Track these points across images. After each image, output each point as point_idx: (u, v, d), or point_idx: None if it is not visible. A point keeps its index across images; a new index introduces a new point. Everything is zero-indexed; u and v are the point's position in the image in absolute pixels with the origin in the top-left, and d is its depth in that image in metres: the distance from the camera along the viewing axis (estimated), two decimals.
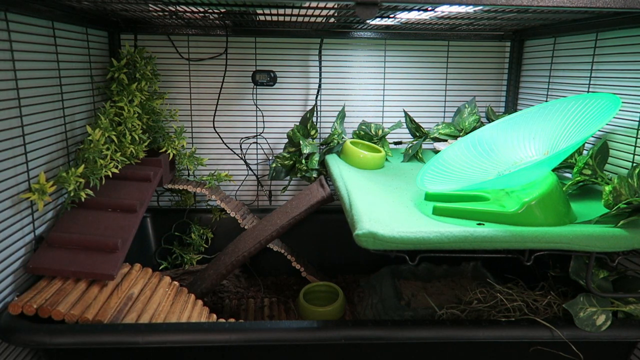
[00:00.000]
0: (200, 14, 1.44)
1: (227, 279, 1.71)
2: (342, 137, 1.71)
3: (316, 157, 1.69)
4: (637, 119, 1.21)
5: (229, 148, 1.84)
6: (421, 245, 0.88)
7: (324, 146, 1.74)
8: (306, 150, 1.66)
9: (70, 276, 1.17)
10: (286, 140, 1.77)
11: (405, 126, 1.73)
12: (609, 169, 1.29)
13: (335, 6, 1.28)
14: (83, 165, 1.28)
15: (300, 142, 1.68)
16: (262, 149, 1.87)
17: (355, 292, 1.68)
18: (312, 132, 1.73)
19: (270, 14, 1.46)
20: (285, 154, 1.73)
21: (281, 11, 1.40)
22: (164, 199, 1.87)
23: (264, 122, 1.84)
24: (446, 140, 1.69)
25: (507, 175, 1.05)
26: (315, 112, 1.78)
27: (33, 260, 1.16)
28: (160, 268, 1.75)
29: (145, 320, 1.15)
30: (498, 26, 1.64)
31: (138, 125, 1.50)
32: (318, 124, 1.85)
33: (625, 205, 0.97)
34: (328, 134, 1.79)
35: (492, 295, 1.28)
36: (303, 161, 1.71)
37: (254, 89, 1.82)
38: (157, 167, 1.55)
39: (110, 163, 1.37)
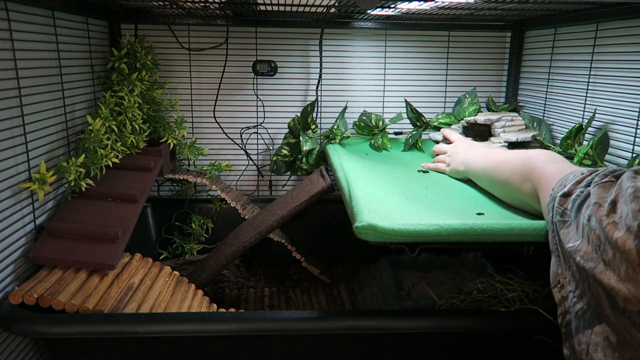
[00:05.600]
0: (201, 4, 1.44)
1: (228, 269, 1.72)
2: (344, 134, 1.70)
3: (316, 154, 1.70)
4: (637, 109, 1.21)
5: (229, 138, 1.84)
6: (420, 237, 0.88)
7: (324, 138, 1.74)
8: (306, 147, 1.66)
9: (71, 266, 1.17)
10: (286, 131, 1.77)
11: (405, 116, 1.73)
12: (609, 159, 1.29)
13: None
14: (83, 155, 1.28)
15: (300, 137, 1.68)
16: (263, 139, 1.87)
17: (356, 282, 1.68)
18: (313, 127, 1.73)
19: (271, 4, 1.46)
20: (285, 152, 1.74)
21: (282, 1, 1.40)
22: (165, 189, 1.87)
23: (264, 112, 1.84)
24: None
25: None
26: (315, 105, 1.77)
27: (33, 250, 1.16)
28: (161, 258, 1.75)
29: (146, 310, 1.15)
30: (499, 16, 1.64)
31: (138, 115, 1.50)
32: (319, 114, 1.84)
33: None
34: (329, 125, 1.79)
35: (491, 286, 1.28)
36: (304, 160, 1.71)
37: (255, 79, 1.81)
38: (158, 157, 1.55)
39: (110, 153, 1.37)
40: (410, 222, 0.89)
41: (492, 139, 1.49)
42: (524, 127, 1.54)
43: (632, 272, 0.56)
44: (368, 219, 0.90)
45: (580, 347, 0.66)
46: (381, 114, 1.81)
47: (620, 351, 0.59)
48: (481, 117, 1.50)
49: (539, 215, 0.96)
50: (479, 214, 1.00)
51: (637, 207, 0.57)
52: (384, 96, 1.86)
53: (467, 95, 1.74)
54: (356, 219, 0.91)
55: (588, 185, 0.70)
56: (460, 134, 1.55)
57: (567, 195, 0.73)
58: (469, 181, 1.26)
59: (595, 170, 0.73)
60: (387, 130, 1.70)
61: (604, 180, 0.68)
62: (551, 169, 0.87)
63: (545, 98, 1.62)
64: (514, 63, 1.79)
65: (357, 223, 0.90)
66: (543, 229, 0.89)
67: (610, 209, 0.62)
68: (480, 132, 1.55)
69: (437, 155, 1.42)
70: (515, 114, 1.56)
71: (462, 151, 1.29)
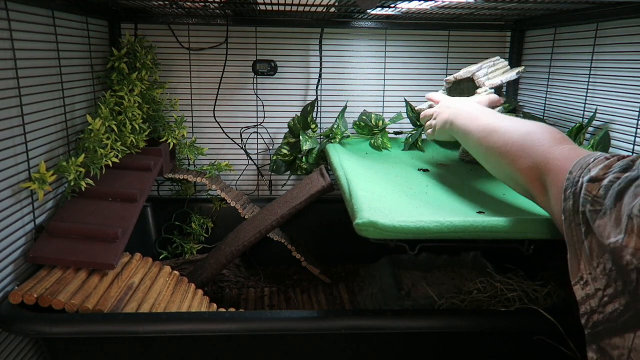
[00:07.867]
0: (201, 4, 1.44)
1: (228, 269, 1.72)
2: (344, 133, 1.70)
3: (316, 153, 1.70)
4: (638, 109, 1.21)
5: (229, 138, 1.84)
6: (421, 235, 0.88)
7: (324, 138, 1.74)
8: (306, 147, 1.66)
9: (71, 266, 1.17)
10: (287, 130, 1.77)
11: (405, 116, 1.73)
12: None
13: None
14: (83, 155, 1.28)
15: (301, 137, 1.68)
16: (263, 139, 1.86)
17: (356, 282, 1.68)
18: (313, 127, 1.73)
19: (271, 4, 1.46)
20: (285, 152, 1.74)
21: (282, 1, 1.40)
22: (165, 189, 1.87)
23: (264, 112, 1.84)
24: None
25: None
26: (315, 105, 1.77)
27: (33, 250, 1.16)
28: (161, 258, 1.75)
29: (146, 310, 1.15)
30: (499, 16, 1.63)
31: (138, 114, 1.50)
32: (319, 114, 1.84)
33: None
34: (329, 125, 1.79)
35: (491, 286, 1.28)
36: (304, 159, 1.71)
37: (255, 79, 1.81)
38: (158, 157, 1.55)
39: (110, 152, 1.37)
40: (411, 219, 0.89)
41: (478, 90, 1.43)
42: (508, 67, 1.48)
43: None
44: (369, 216, 0.90)
45: (617, 352, 0.60)
46: (381, 114, 1.81)
47: None
48: (461, 72, 1.43)
49: (524, 198, 0.95)
50: (479, 212, 1.00)
51: None
52: (384, 96, 1.86)
53: None
54: (357, 216, 0.91)
55: (624, 171, 0.63)
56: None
57: (595, 180, 0.66)
58: (470, 180, 1.26)
59: (619, 155, 0.68)
60: (387, 130, 1.70)
61: None
62: (564, 150, 0.80)
63: (546, 98, 1.62)
64: (515, 62, 1.79)
65: (357, 220, 0.90)
66: (545, 226, 0.89)
67: None
68: (467, 89, 1.50)
69: (427, 122, 1.33)
70: (497, 57, 1.49)
71: (447, 110, 1.20)
